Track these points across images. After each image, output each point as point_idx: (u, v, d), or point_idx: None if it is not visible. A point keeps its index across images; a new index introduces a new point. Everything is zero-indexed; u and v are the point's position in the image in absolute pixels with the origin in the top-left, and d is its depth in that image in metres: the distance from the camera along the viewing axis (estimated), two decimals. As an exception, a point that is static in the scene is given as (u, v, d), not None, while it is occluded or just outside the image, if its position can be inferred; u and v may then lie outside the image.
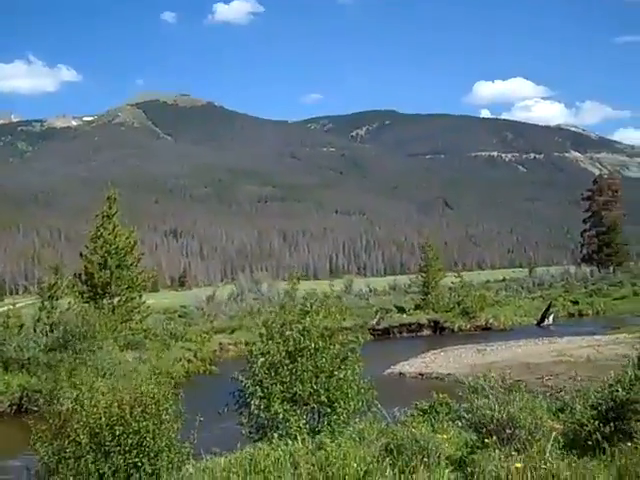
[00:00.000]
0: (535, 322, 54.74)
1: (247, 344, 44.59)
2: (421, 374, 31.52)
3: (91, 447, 10.39)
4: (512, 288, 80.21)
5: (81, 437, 10.42)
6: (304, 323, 14.91)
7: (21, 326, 32.80)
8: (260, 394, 14.29)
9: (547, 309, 55.86)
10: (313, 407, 14.42)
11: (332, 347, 14.75)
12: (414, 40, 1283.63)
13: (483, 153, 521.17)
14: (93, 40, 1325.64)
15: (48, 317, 34.79)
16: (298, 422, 13.77)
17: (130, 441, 10.31)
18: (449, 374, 29.82)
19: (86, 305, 35.63)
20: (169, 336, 38.54)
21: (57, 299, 34.71)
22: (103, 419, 10.50)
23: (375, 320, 51.19)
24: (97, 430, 10.48)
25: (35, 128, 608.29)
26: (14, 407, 25.81)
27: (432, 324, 52.68)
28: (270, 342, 14.95)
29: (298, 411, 14.13)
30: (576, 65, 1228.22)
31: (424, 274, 58.07)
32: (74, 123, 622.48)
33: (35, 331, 33.34)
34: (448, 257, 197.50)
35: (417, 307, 56.14)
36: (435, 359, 35.34)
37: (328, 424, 14.17)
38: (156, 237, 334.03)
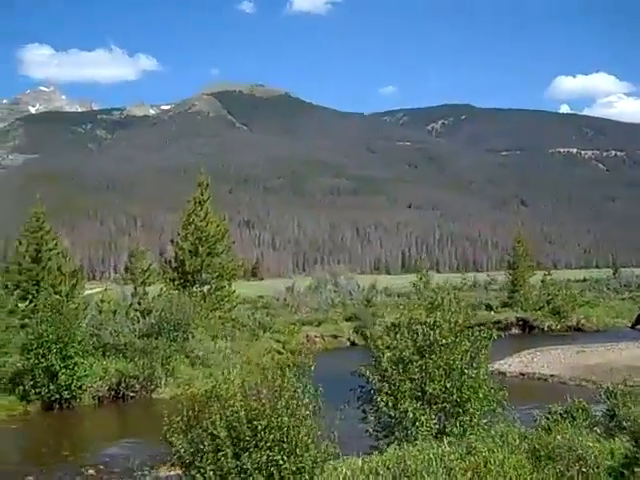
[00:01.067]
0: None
1: (335, 337, 44.36)
2: (522, 374, 30.36)
3: (231, 441, 9.78)
4: (596, 289, 77.79)
5: (219, 430, 9.80)
6: (434, 317, 14.10)
7: (114, 312, 32.74)
8: (387, 390, 13.55)
9: (643, 311, 53.77)
10: (443, 406, 13.59)
11: (463, 343, 13.92)
12: (491, 32, 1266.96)
13: (562, 150, 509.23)
14: (172, 29, 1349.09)
15: (139, 303, 34.76)
16: (429, 422, 13.01)
17: (272, 436, 9.67)
18: (552, 375, 28.67)
19: (176, 292, 35.45)
20: (257, 326, 38.08)
21: (149, 285, 34.63)
22: (242, 412, 9.86)
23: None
24: (235, 423, 9.86)
25: (114, 116, 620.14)
26: (112, 392, 25.59)
27: (521, 323, 51.19)
28: (398, 336, 14.18)
29: (428, 410, 13.35)
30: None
31: (512, 271, 56.49)
32: (152, 112, 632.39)
33: (127, 316, 33.31)
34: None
35: (504, 305, 54.67)
36: (533, 359, 34.09)
37: (458, 425, 13.35)
38: (230, 227, 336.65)
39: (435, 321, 13.93)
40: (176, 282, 36.78)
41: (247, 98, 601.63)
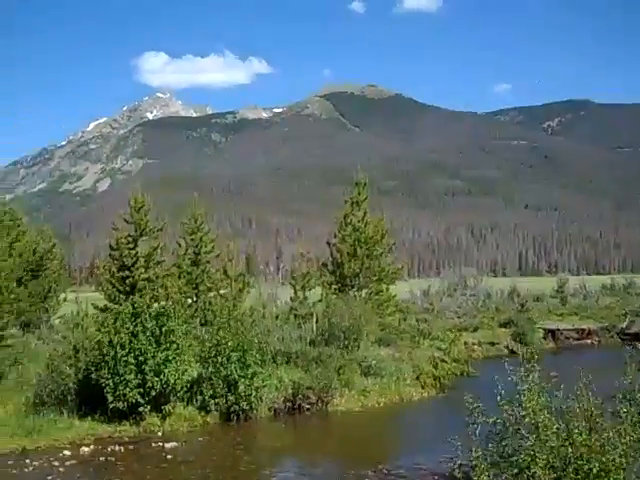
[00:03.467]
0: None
1: (492, 344, 42.12)
2: None
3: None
4: None
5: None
6: None
7: (277, 316, 31.61)
8: None
9: None
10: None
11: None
12: (608, 22, 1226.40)
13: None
14: (283, 32, 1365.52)
15: (299, 308, 33.59)
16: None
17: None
18: None
19: (334, 297, 34.11)
20: (417, 333, 36.28)
21: (310, 289, 33.43)
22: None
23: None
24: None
25: (228, 120, 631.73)
26: (288, 404, 24.27)
27: None
28: None
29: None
30: None
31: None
32: (265, 115, 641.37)
33: (287, 322, 32.15)
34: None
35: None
36: None
37: None
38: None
39: None
40: (333, 286, 35.45)
41: (359, 99, 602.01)
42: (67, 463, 18.40)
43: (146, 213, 26.53)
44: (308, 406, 24.36)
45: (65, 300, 41.83)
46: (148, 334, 21.79)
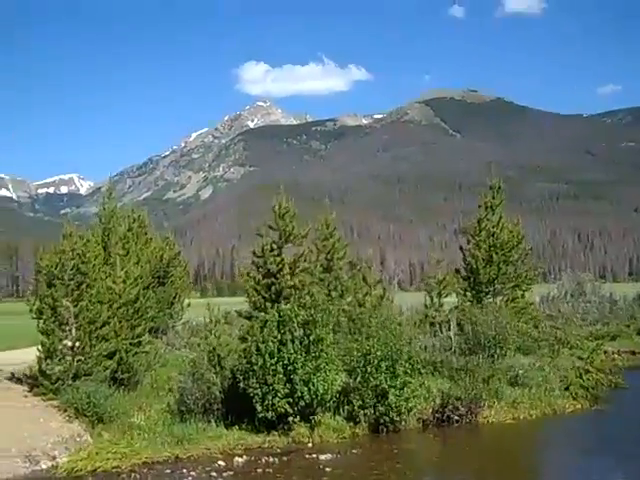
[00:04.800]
0: None
1: (633, 353, 40.15)
2: None
3: None
4: None
5: None
6: None
7: (416, 324, 30.73)
8: None
9: None
10: None
11: None
12: None
13: None
14: (382, 39, 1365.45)
15: (435, 316, 32.64)
16: None
17: None
18: None
19: (469, 304, 33.03)
20: (555, 341, 34.75)
21: (446, 296, 32.44)
22: None
23: None
24: None
25: (328, 127, 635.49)
26: (436, 415, 23.33)
27: None
28: None
29: None
30: None
31: None
32: (364, 121, 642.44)
33: (424, 328, 31.22)
34: None
35: None
36: None
37: None
38: (444, 235, 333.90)
39: None
40: (467, 293, 34.30)
41: (459, 104, 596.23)
42: (224, 474, 18.06)
43: (291, 219, 26.01)
44: (457, 417, 23.38)
45: (189, 306, 42.00)
46: (296, 342, 21.28)
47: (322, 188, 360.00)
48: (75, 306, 23.99)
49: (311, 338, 21.45)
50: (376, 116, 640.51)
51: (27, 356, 28.61)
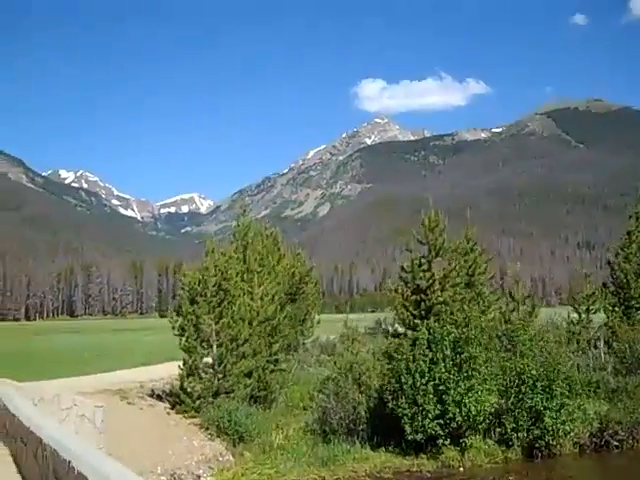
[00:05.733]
0: None
1: None
2: None
3: None
4: None
5: None
6: None
7: (568, 341, 29.19)
8: None
9: None
10: None
11: None
12: None
13: None
14: (500, 51, 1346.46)
15: (580, 332, 30.98)
16: None
17: None
18: None
19: (618, 320, 31.19)
20: None
21: (595, 312, 30.77)
22: None
23: None
24: None
25: (446, 142, 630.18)
26: (594, 440, 21.83)
27: None
28: None
29: None
30: None
31: None
32: (483, 135, 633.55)
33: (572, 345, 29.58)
34: None
35: None
36: None
37: None
38: (567, 249, 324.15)
39: None
40: (617, 309, 32.46)
41: (583, 115, 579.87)
42: (379, 499, 17.28)
43: (441, 232, 25.14)
44: (617, 443, 21.83)
45: (319, 323, 41.56)
46: (448, 362, 20.35)
47: (442, 202, 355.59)
48: (216, 323, 23.85)
49: (463, 356, 20.51)
50: (495, 130, 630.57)
51: (163, 372, 28.84)
